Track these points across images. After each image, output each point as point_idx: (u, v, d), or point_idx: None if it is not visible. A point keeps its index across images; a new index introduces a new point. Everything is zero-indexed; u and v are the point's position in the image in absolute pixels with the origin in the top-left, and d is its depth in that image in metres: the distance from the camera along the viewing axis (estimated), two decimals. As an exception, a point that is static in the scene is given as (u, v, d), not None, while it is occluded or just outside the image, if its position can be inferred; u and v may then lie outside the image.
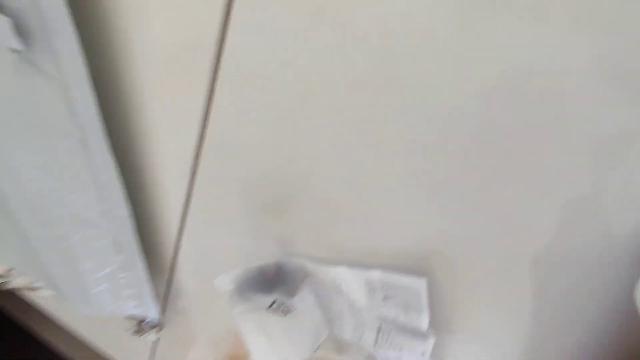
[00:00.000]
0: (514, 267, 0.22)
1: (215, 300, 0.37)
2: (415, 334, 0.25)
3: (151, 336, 0.43)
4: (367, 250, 0.25)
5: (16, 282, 0.45)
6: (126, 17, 0.23)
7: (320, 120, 0.21)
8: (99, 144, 0.25)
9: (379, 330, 0.27)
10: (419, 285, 0.23)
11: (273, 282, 0.28)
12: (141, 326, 0.41)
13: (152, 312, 0.38)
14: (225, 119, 0.24)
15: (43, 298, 0.52)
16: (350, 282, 0.26)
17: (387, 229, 0.24)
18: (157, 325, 0.41)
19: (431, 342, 0.24)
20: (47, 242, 0.32)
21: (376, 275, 0.24)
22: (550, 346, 0.23)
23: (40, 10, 0.19)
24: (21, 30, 0.20)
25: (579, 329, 0.22)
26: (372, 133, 0.20)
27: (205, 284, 0.37)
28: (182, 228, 0.34)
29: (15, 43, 0.19)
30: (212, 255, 0.33)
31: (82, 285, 0.35)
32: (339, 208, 0.24)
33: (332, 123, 0.21)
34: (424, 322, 0.24)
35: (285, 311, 0.27)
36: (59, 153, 0.25)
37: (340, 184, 0.23)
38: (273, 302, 0.27)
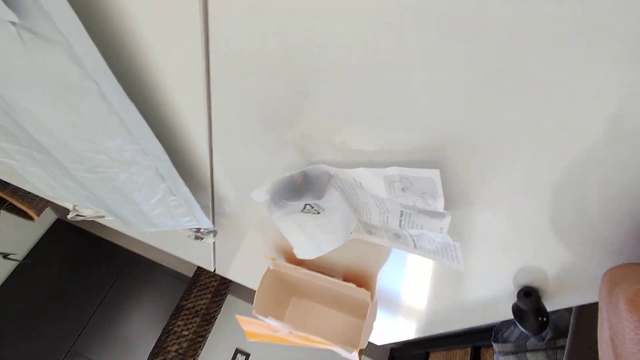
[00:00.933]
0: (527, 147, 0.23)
1: (252, 203, 0.42)
2: (433, 215, 0.28)
3: (209, 240, 0.50)
4: (383, 149, 0.27)
5: (85, 213, 0.52)
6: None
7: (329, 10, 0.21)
8: (115, 92, 0.26)
9: (401, 214, 0.31)
10: (433, 175, 0.25)
11: (302, 189, 0.31)
12: (199, 234, 0.48)
13: (204, 223, 0.44)
14: (225, 34, 0.24)
15: (113, 222, 0.60)
16: (369, 179, 0.28)
17: (401, 125, 0.25)
18: (212, 231, 0.47)
19: (447, 220, 0.28)
20: (99, 183, 0.36)
21: (392, 171, 0.27)
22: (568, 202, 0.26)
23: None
24: (10, 3, 0.19)
25: (597, 194, 0.24)
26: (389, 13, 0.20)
27: (242, 191, 0.41)
28: (211, 150, 0.36)
29: (10, 16, 0.20)
30: (243, 169, 0.37)
31: (140, 212, 0.41)
32: (353, 110, 0.26)
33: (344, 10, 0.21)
34: (439, 206, 0.27)
35: (317, 211, 0.31)
36: (83, 109, 0.27)
37: (353, 83, 0.24)
38: (305, 205, 0.30)
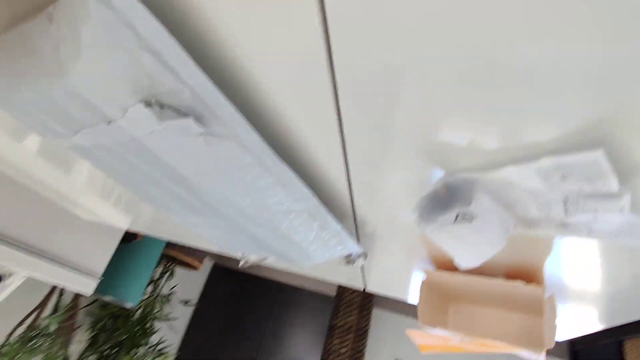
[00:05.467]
0: None
1: (395, 220, 0.44)
2: (607, 196, 0.26)
3: (359, 263, 0.53)
4: (526, 144, 0.26)
5: (252, 259, 0.61)
6: (247, 67, 0.27)
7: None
8: (272, 160, 0.31)
9: (565, 202, 0.29)
10: (596, 156, 0.24)
11: (448, 200, 0.32)
12: (350, 259, 0.52)
13: (354, 248, 0.47)
14: (350, 63, 0.27)
15: (274, 262, 0.68)
16: (520, 176, 0.28)
17: (545, 113, 0.24)
18: (362, 254, 0.50)
19: (627, 198, 0.25)
20: (268, 233, 0.42)
21: (546, 162, 0.26)
22: None
23: (202, 99, 0.25)
24: (197, 118, 0.26)
25: None
26: None
27: (382, 211, 0.43)
28: (350, 183, 0.40)
29: (198, 130, 0.26)
30: (381, 191, 0.39)
31: (301, 250, 0.46)
32: (487, 111, 0.26)
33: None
34: (612, 186, 0.25)
35: (470, 219, 0.31)
36: (251, 179, 0.33)
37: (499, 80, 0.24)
38: (457, 216, 0.31)
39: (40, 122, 0.32)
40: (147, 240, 1.82)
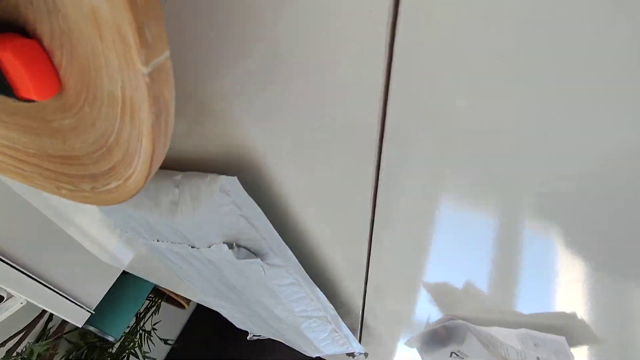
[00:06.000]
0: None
1: (394, 342, 0.51)
2: None
3: (360, 359, 0.59)
4: (511, 312, 0.35)
5: (263, 334, 0.66)
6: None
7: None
8: (307, 282, 0.39)
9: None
10: (560, 340, 0.32)
11: (445, 339, 0.39)
12: (352, 355, 0.58)
13: (358, 348, 0.54)
14: (385, 254, 0.36)
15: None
16: (504, 335, 0.35)
17: (525, 302, 0.33)
18: (363, 354, 0.57)
19: None
20: (287, 328, 0.49)
21: (523, 332, 0.34)
22: None
23: (269, 244, 0.33)
24: (263, 256, 0.34)
25: None
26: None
27: (384, 329, 0.51)
28: (364, 304, 0.47)
29: (262, 263, 0.34)
30: (390, 318, 0.46)
31: (312, 344, 0.53)
32: (481, 289, 0.34)
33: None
34: None
35: (462, 357, 0.39)
36: (288, 293, 0.40)
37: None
38: (451, 354, 0.38)
39: (131, 227, 0.40)
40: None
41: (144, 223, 0.37)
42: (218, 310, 0.58)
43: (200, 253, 0.36)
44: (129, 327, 2.12)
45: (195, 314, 2.91)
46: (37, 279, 1.12)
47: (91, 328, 1.75)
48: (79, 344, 1.94)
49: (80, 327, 1.72)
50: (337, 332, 0.50)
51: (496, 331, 0.36)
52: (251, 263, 0.35)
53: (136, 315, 2.22)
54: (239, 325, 0.62)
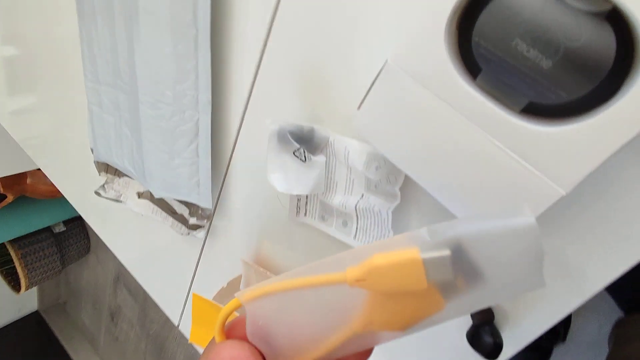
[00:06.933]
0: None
1: (256, 221, 0.49)
2: (387, 197, 0.36)
3: (200, 234, 0.54)
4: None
5: (109, 194, 0.60)
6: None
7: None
8: (205, 42, 0.41)
9: (361, 197, 0.38)
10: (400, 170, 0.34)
11: (303, 138, 0.39)
12: (193, 221, 0.53)
13: (205, 201, 0.50)
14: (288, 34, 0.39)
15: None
16: (356, 150, 0.37)
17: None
18: (207, 217, 0.52)
19: (396, 202, 0.36)
20: (152, 121, 0.47)
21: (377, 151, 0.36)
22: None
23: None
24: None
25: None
26: None
27: (250, 195, 0.48)
28: (239, 130, 0.47)
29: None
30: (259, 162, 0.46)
31: (165, 165, 0.49)
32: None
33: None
34: (397, 187, 0.35)
35: (303, 160, 0.39)
36: (181, 49, 0.41)
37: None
38: (298, 149, 0.38)
39: None
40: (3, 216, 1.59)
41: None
42: (93, 110, 0.53)
43: None
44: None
45: (25, 319, 2.38)
46: None
47: None
48: None
49: None
50: (197, 158, 0.47)
51: (354, 145, 0.36)
52: None
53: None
54: (97, 149, 0.56)
